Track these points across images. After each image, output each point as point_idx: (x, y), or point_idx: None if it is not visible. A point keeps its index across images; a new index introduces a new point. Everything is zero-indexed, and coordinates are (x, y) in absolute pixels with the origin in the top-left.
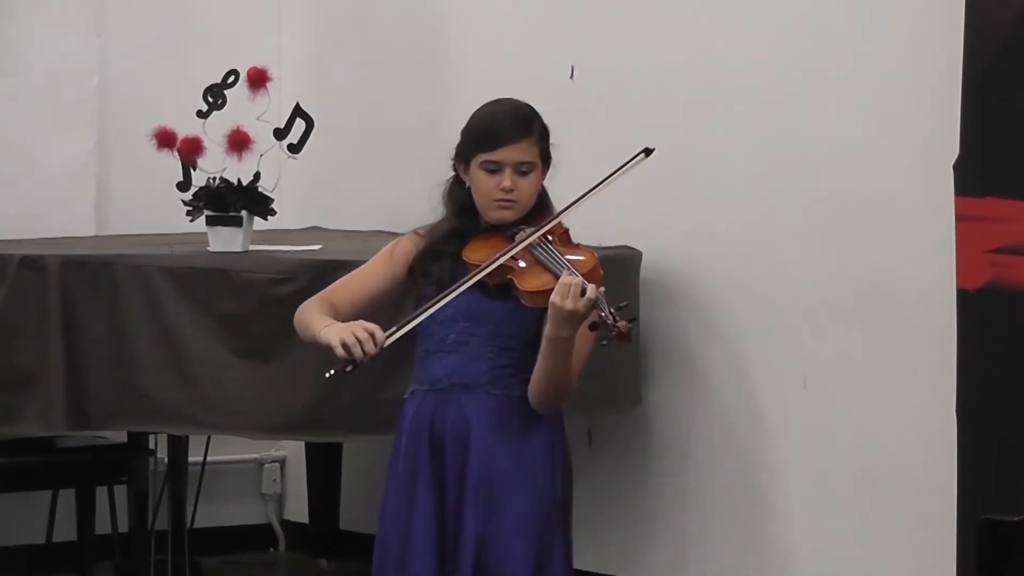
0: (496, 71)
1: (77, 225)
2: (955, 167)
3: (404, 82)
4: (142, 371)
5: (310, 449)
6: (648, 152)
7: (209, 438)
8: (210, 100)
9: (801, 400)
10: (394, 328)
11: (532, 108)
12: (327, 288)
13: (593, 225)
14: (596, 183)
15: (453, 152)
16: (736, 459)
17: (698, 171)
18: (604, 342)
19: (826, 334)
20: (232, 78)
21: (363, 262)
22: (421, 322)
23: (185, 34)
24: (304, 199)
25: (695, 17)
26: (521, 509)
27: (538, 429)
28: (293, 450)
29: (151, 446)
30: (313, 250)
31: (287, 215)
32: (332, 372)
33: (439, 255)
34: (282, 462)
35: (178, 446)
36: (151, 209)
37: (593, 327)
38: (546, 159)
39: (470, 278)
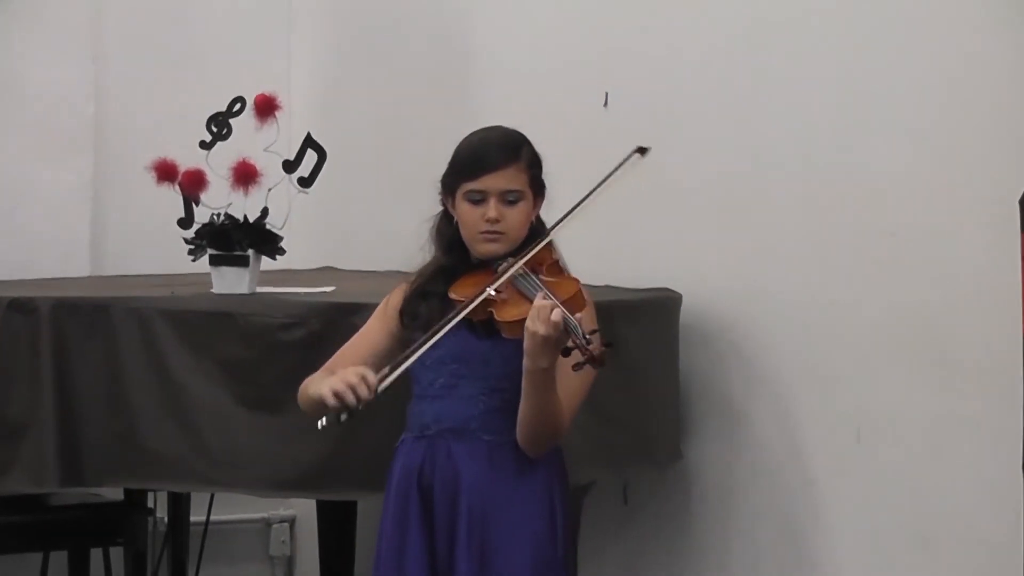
0: (524, 98)
1: (71, 265)
2: (1021, 202)
3: (425, 111)
4: (140, 423)
5: (322, 508)
6: (643, 151)
7: (213, 495)
8: (214, 130)
9: (854, 454)
10: (386, 370)
11: (521, 135)
12: (329, 361)
13: (630, 267)
14: (584, 195)
15: (439, 186)
16: (783, 519)
17: (741, 207)
18: (576, 368)
19: (881, 382)
20: (238, 106)
21: (377, 305)
22: (411, 365)
23: (187, 59)
24: (316, 237)
25: (739, 44)
26: (517, 562)
27: (534, 476)
28: (304, 509)
29: (150, 504)
30: (326, 292)
31: (297, 254)
32: (324, 421)
33: (426, 295)
34: (292, 522)
35: (179, 504)
36: (150, 248)
37: (565, 353)
38: (538, 189)
39: (455, 315)
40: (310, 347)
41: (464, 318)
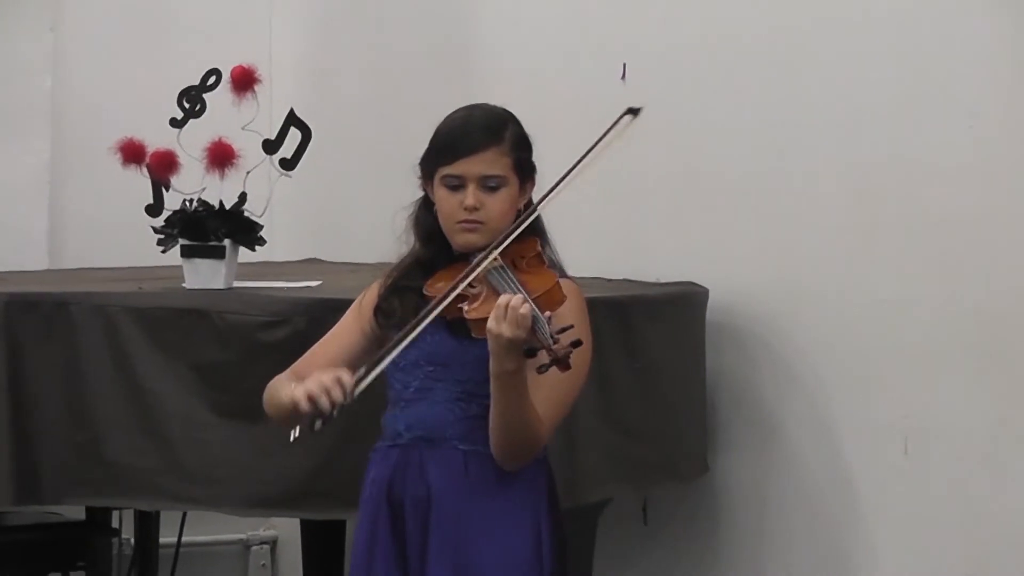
0: (533, 70)
1: (25, 257)
2: None
3: (422, 84)
4: (104, 433)
5: (307, 528)
6: (634, 112)
7: (185, 514)
8: (186, 106)
9: (901, 469)
10: (362, 371)
11: (507, 113)
12: (296, 362)
13: (650, 258)
14: (568, 168)
15: (417, 169)
16: (822, 540)
17: (776, 192)
18: (541, 370)
19: (932, 388)
20: (213, 79)
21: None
22: (385, 368)
23: (156, 27)
24: (300, 225)
25: (774, 21)
26: None
27: (515, 490)
28: (286, 529)
29: (115, 524)
30: (311, 287)
31: (280, 245)
32: (297, 431)
33: (402, 291)
34: (273, 543)
35: (147, 524)
36: (115, 238)
37: (529, 353)
38: (524, 173)
39: (427, 312)
40: (294, 348)
41: (441, 316)
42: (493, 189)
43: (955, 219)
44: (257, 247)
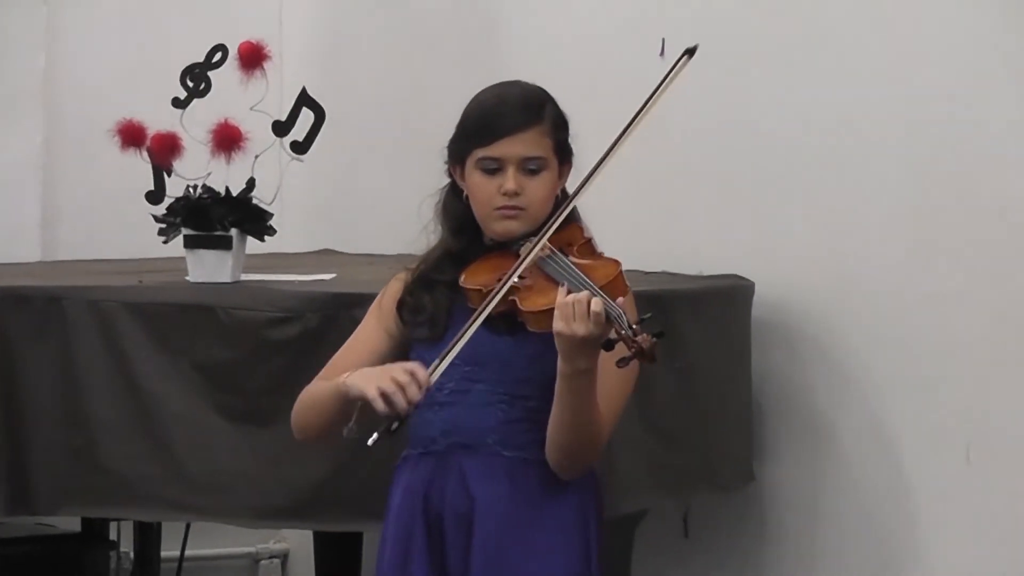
0: (565, 45)
1: (18, 248)
2: None
3: (444, 60)
4: (101, 438)
5: (320, 540)
6: (691, 53)
7: (188, 526)
8: (190, 85)
9: (963, 477)
10: (437, 361)
11: (543, 91)
12: (321, 371)
13: (691, 250)
14: (630, 121)
15: (445, 153)
16: (876, 555)
17: (828, 178)
18: (621, 363)
19: (995, 390)
20: (219, 56)
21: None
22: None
23: (159, 0)
24: (312, 213)
25: None
26: None
27: (565, 500)
28: (298, 541)
29: (112, 536)
30: (325, 280)
31: (291, 234)
32: (376, 437)
33: (431, 285)
34: (284, 557)
35: (148, 536)
36: (113, 228)
37: (607, 346)
38: (563, 155)
39: (485, 306)
40: (305, 347)
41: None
42: (534, 172)
43: (1018, 210)
44: (266, 237)
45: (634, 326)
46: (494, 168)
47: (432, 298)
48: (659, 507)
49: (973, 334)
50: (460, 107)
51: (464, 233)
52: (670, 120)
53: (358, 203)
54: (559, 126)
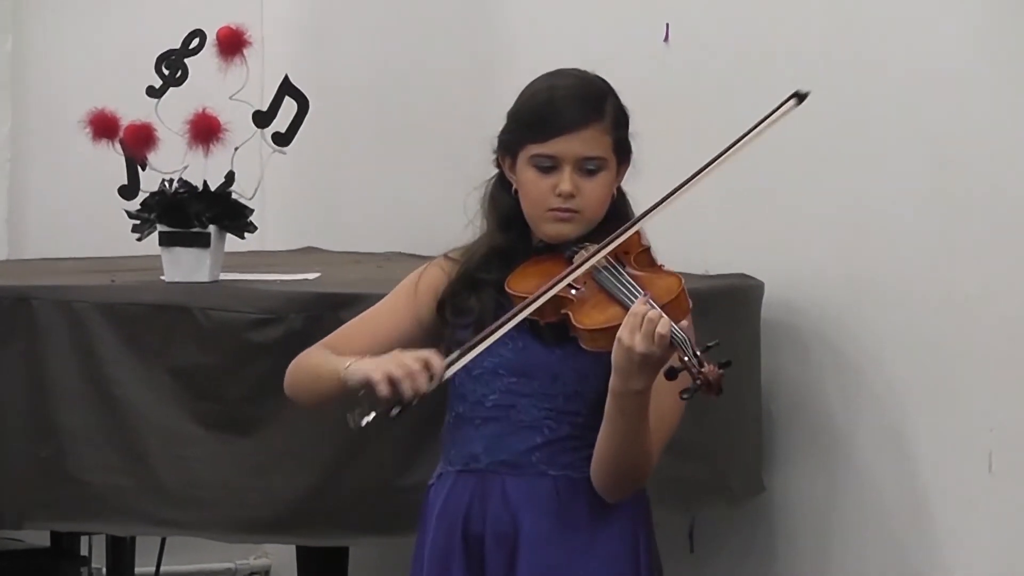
0: (564, 33)
1: None
2: None
3: (434, 49)
4: (71, 447)
5: (304, 556)
6: (800, 97)
7: (164, 540)
8: (166, 72)
9: (985, 486)
10: (456, 354)
11: (605, 84)
12: (328, 336)
13: (698, 247)
14: (716, 155)
15: (495, 142)
16: (894, 569)
17: (842, 173)
18: (685, 395)
19: (1019, 398)
20: (196, 42)
21: (376, 296)
22: (460, 371)
23: None
24: (295, 209)
25: None
26: None
27: (615, 522)
28: (281, 557)
29: (83, 551)
30: (309, 280)
31: (272, 231)
32: (369, 418)
33: (477, 285)
34: (265, 573)
35: (120, 552)
36: (83, 224)
37: (670, 375)
38: (623, 154)
39: (518, 311)
40: (288, 350)
41: (528, 319)
42: (591, 172)
43: None
44: (247, 234)
45: (699, 354)
46: (549, 167)
47: (479, 300)
48: (664, 520)
49: (995, 337)
50: (455, 97)
51: (512, 229)
52: (677, 114)
53: (343, 198)
54: (620, 123)
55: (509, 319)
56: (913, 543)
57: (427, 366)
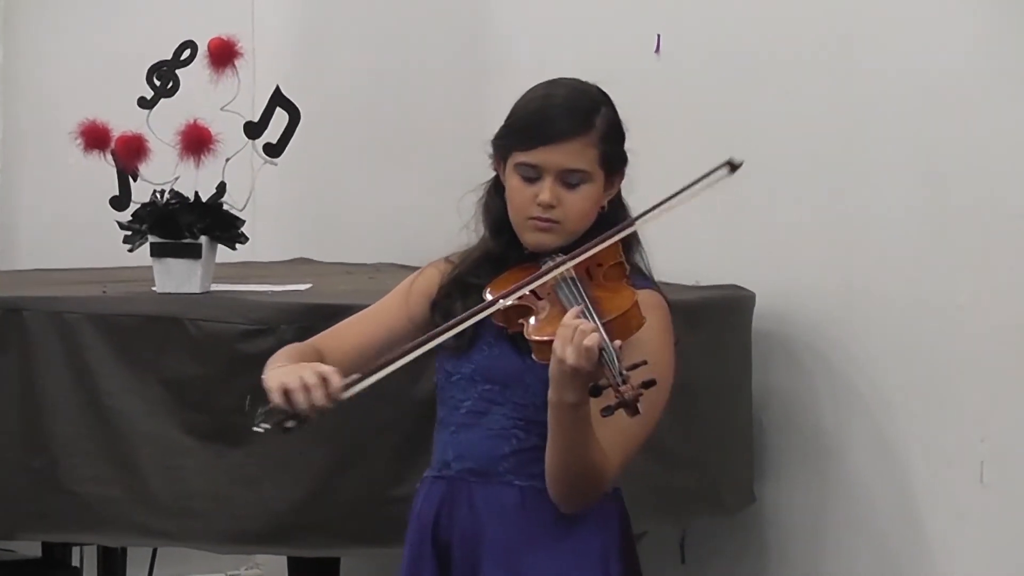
0: (556, 43)
1: None
2: None
3: (426, 58)
4: (63, 458)
5: (295, 567)
6: (733, 167)
7: (155, 551)
8: (157, 83)
9: (977, 497)
10: (356, 376)
11: (600, 94)
12: (322, 332)
13: (689, 258)
14: (657, 202)
15: (491, 146)
16: None
17: (834, 183)
18: (605, 413)
19: (1011, 408)
20: (187, 53)
21: (367, 307)
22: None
23: None
24: (286, 220)
25: None
26: None
27: (579, 533)
28: (272, 567)
29: (75, 562)
30: (300, 291)
31: (264, 242)
32: (263, 428)
33: (467, 290)
34: None
35: (112, 562)
36: (75, 235)
37: (594, 391)
38: (612, 168)
39: (465, 317)
40: None
41: (502, 328)
42: (573, 185)
43: None
44: (238, 245)
45: (624, 372)
46: (532, 176)
47: (464, 304)
48: (655, 531)
49: (986, 347)
50: (447, 108)
51: (503, 235)
52: (669, 122)
53: (335, 209)
54: (610, 137)
55: (443, 331)
56: (905, 553)
57: (325, 383)
